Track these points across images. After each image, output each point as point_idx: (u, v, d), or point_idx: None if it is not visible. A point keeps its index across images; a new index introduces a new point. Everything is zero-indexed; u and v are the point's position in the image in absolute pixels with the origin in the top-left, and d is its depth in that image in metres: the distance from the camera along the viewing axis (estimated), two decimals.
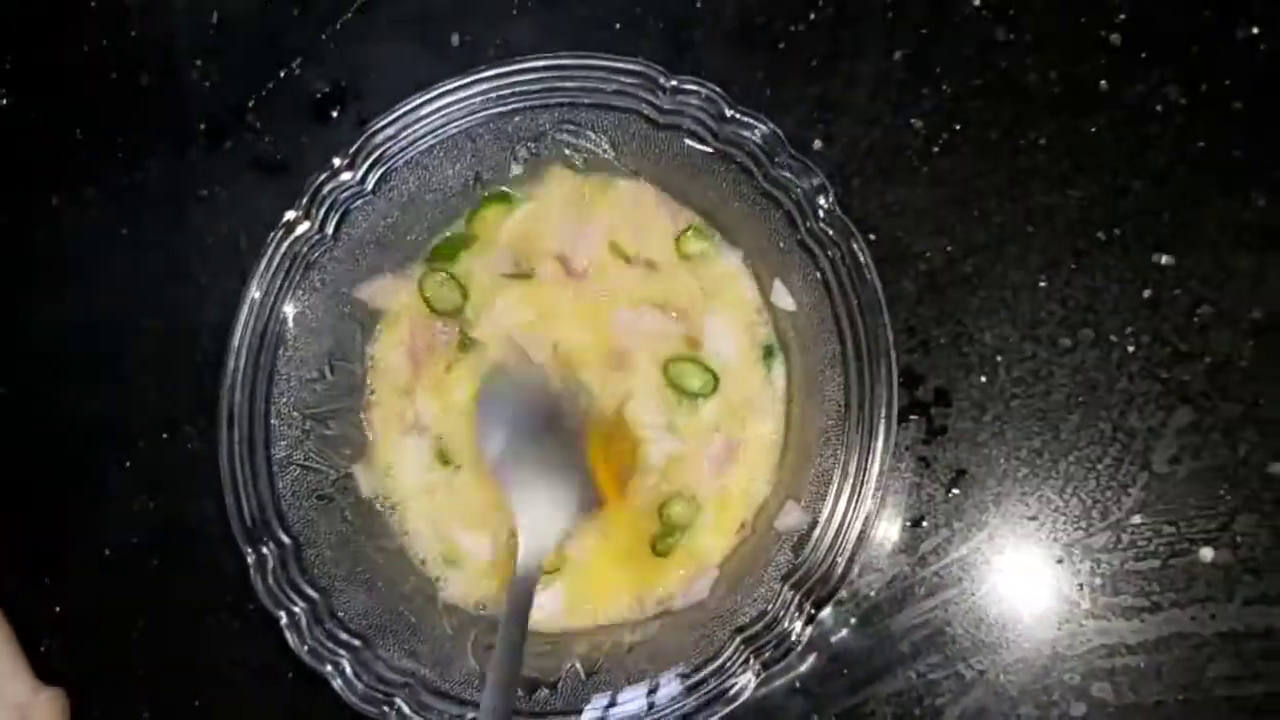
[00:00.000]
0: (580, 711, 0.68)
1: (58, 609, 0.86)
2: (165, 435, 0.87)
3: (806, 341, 0.72)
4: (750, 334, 0.76)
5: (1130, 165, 0.79)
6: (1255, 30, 0.79)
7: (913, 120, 0.82)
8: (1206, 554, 0.73)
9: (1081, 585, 0.74)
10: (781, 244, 0.71)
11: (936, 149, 0.81)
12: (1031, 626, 0.74)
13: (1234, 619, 0.73)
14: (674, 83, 0.71)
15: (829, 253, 0.69)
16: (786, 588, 0.67)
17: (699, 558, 0.74)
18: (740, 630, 0.68)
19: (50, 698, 0.83)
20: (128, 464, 0.87)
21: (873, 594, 0.76)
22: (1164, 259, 0.77)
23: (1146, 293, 0.77)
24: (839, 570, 0.66)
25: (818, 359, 0.70)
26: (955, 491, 0.77)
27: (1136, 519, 0.74)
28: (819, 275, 0.69)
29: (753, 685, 0.66)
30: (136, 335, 0.89)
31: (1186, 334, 0.76)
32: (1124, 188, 0.79)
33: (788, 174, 0.69)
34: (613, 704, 0.69)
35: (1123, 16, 0.81)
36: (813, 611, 0.66)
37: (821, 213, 0.68)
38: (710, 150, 0.71)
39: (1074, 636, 0.74)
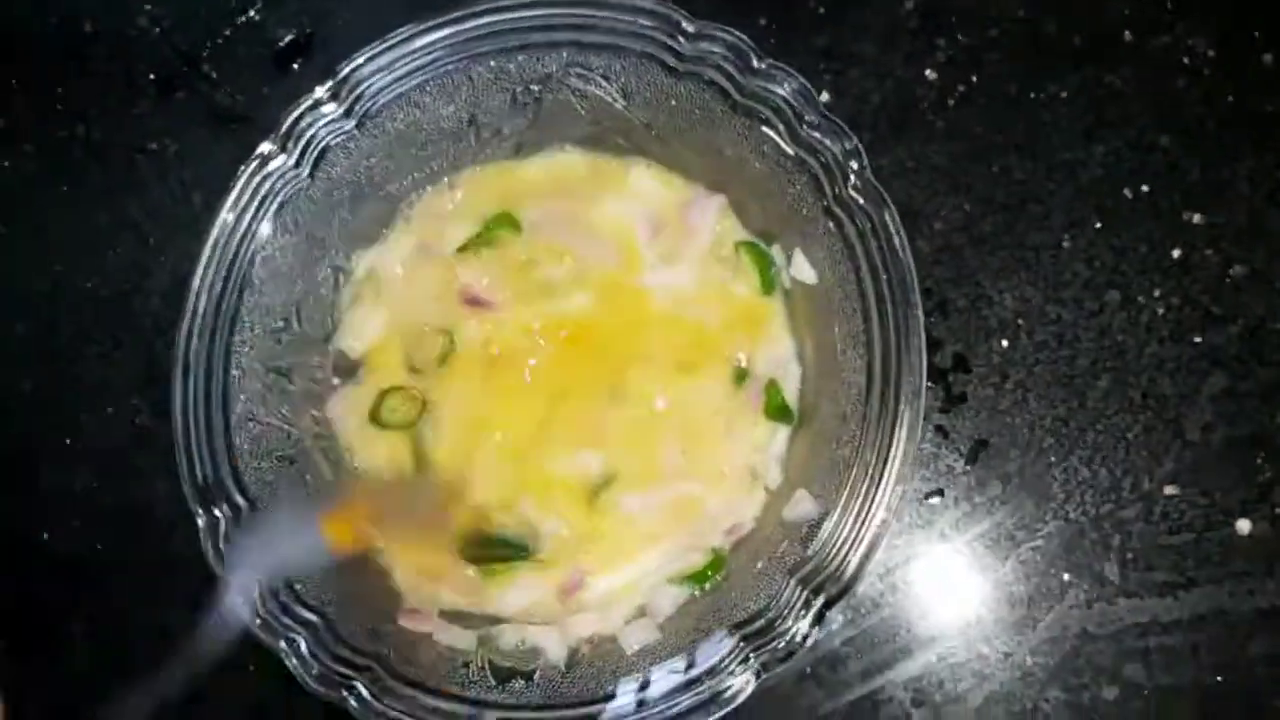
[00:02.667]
0: (556, 706, 0.66)
1: None
2: (110, 410, 0.85)
3: (827, 318, 0.70)
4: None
5: (1157, 120, 0.80)
6: None
7: (926, 72, 0.83)
8: (1243, 526, 0.74)
9: (1112, 561, 0.74)
10: (805, 211, 0.69)
11: (952, 102, 0.82)
12: (1059, 605, 0.74)
13: (1274, 594, 0.74)
14: (696, 27, 0.68)
15: (858, 222, 0.66)
16: (794, 583, 0.65)
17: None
18: (740, 626, 0.65)
19: None
20: (68, 441, 0.84)
21: (887, 573, 0.75)
22: (1194, 217, 0.78)
23: (1176, 252, 0.78)
24: (852, 567, 0.63)
25: (838, 337, 0.68)
26: (975, 463, 0.76)
27: (1169, 490, 0.75)
28: (845, 246, 0.67)
29: (751, 687, 0.63)
30: (79, 301, 0.87)
31: (1219, 295, 0.77)
32: (1151, 143, 0.80)
33: (817, 134, 0.67)
34: (610, 697, 0.66)
35: None
36: (822, 610, 0.63)
37: (853, 178, 0.66)
38: (734, 105, 0.69)
39: (1105, 615, 0.74)
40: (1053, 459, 0.76)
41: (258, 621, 0.66)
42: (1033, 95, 0.81)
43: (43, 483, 0.85)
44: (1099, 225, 0.79)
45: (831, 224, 0.67)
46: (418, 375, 0.76)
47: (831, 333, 0.68)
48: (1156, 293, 0.78)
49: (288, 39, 0.89)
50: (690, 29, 0.68)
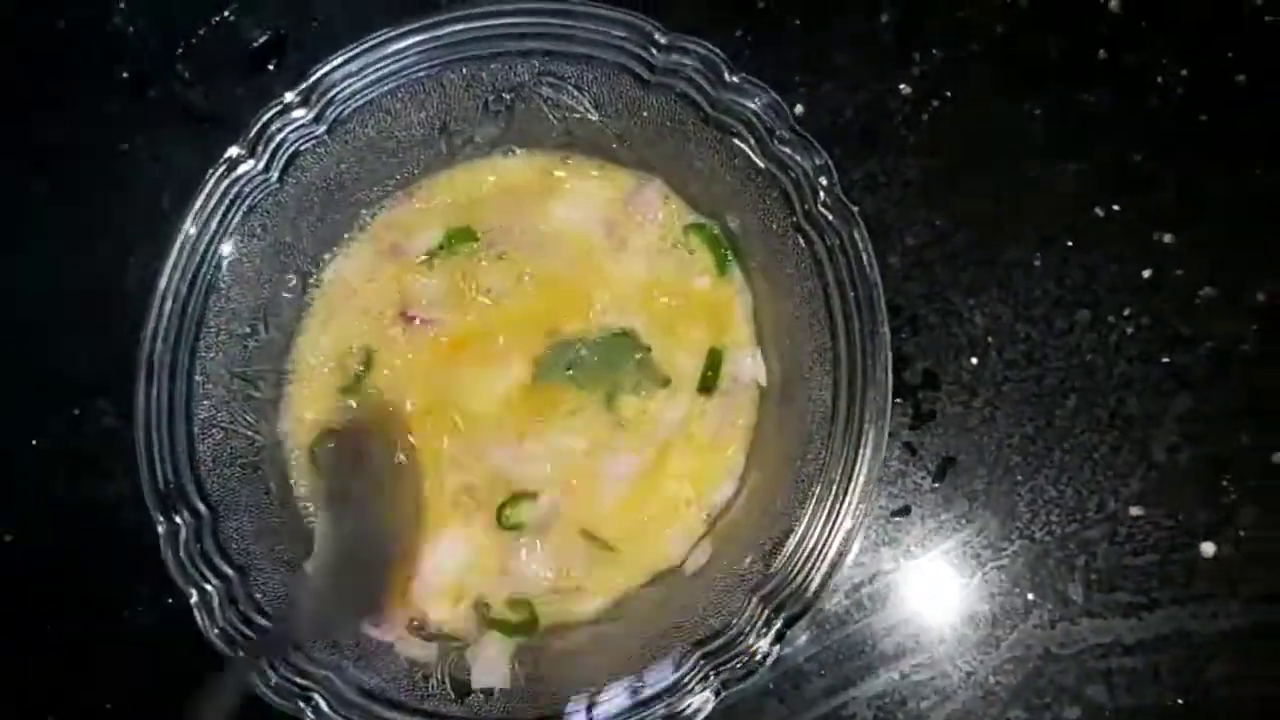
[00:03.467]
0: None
1: None
2: (77, 411, 0.85)
3: (794, 335, 0.70)
4: None
5: (1130, 139, 0.81)
6: (1259, 1, 0.81)
7: (901, 86, 0.83)
8: (1208, 548, 0.75)
9: (1076, 581, 0.75)
10: (775, 226, 0.69)
11: (925, 117, 0.82)
12: (1023, 625, 0.75)
13: (1236, 616, 0.74)
14: (668, 39, 0.68)
15: (827, 239, 0.66)
16: (756, 601, 0.65)
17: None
18: (700, 644, 0.65)
19: None
20: (34, 441, 0.84)
21: (853, 589, 0.76)
22: (1165, 237, 0.79)
23: (1147, 272, 0.78)
24: (815, 584, 0.64)
25: (805, 354, 0.68)
26: (943, 480, 0.77)
27: (1135, 511, 0.75)
28: (814, 263, 0.67)
29: (710, 705, 0.63)
30: (48, 300, 0.87)
31: (1188, 316, 0.78)
32: (1124, 162, 0.80)
33: (788, 150, 0.67)
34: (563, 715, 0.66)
35: None
36: (783, 629, 0.63)
37: (823, 195, 0.66)
38: (705, 117, 0.69)
39: (1068, 635, 0.74)
40: (1019, 478, 0.77)
41: (215, 630, 0.66)
42: (1006, 112, 0.81)
43: (8, 483, 0.84)
44: (1070, 243, 0.79)
45: (800, 240, 0.67)
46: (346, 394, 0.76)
47: (798, 349, 0.68)
48: (1126, 312, 0.78)
49: (262, 40, 0.89)
50: (663, 40, 0.68)
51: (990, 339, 0.79)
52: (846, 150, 0.81)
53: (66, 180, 0.89)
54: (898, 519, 0.77)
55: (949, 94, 0.82)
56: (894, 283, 0.79)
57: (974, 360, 0.78)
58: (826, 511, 0.64)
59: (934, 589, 0.76)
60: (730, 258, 0.75)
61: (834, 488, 0.64)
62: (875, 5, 0.84)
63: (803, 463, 0.66)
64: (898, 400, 0.78)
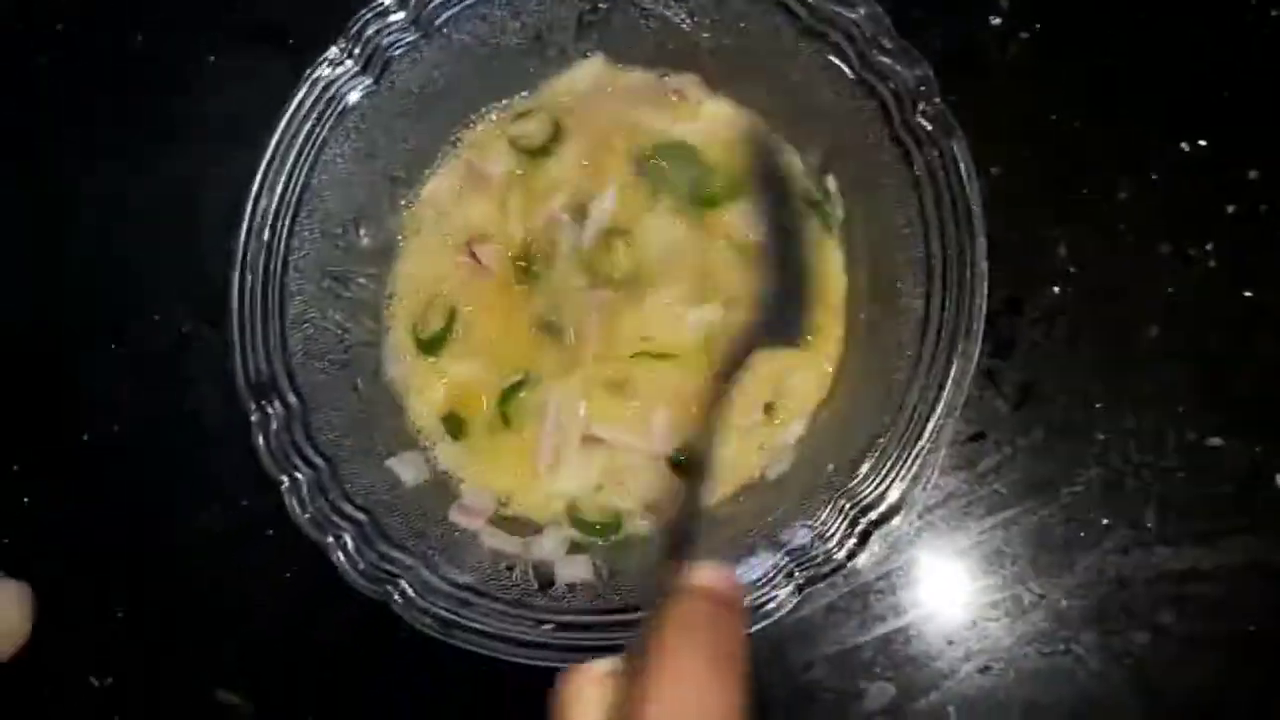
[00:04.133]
0: (598, 611, 0.67)
1: (25, 499, 0.85)
2: (157, 317, 0.86)
3: (887, 245, 0.70)
4: None
5: (1219, 75, 0.81)
6: None
7: (991, 18, 0.83)
8: None
9: (1151, 508, 0.75)
10: (870, 138, 0.69)
11: (1014, 49, 0.83)
12: (1096, 550, 0.75)
13: None
14: None
15: (925, 151, 0.67)
16: (838, 506, 0.65)
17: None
18: (783, 544, 0.66)
19: (14, 592, 0.82)
20: (113, 345, 0.86)
21: (926, 510, 0.77)
22: (1252, 173, 0.79)
23: (1231, 208, 0.79)
24: (898, 493, 0.64)
25: (899, 263, 0.69)
26: (1021, 408, 0.77)
27: (1212, 442, 0.76)
28: (910, 174, 0.67)
29: (793, 602, 0.64)
30: (127, 210, 0.88)
31: (1273, 252, 0.78)
32: (1212, 97, 0.80)
33: (888, 60, 0.67)
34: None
35: None
36: (866, 532, 0.64)
37: (924, 105, 0.66)
38: (805, 28, 0.69)
39: (1141, 561, 0.75)
40: (1098, 406, 0.77)
41: (306, 516, 0.67)
42: (1095, 44, 0.82)
43: (85, 387, 0.86)
44: (1155, 177, 0.80)
45: (898, 151, 0.68)
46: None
47: (891, 259, 0.69)
48: (1209, 246, 0.78)
49: None
50: None
51: (1072, 269, 0.79)
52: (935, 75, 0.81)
53: (150, 89, 0.90)
54: (974, 443, 0.78)
55: (1038, 26, 0.83)
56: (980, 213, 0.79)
57: (1055, 289, 0.79)
58: (917, 420, 0.65)
59: (1008, 513, 0.76)
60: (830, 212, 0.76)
61: (924, 394, 0.65)
62: None
63: (896, 371, 0.66)
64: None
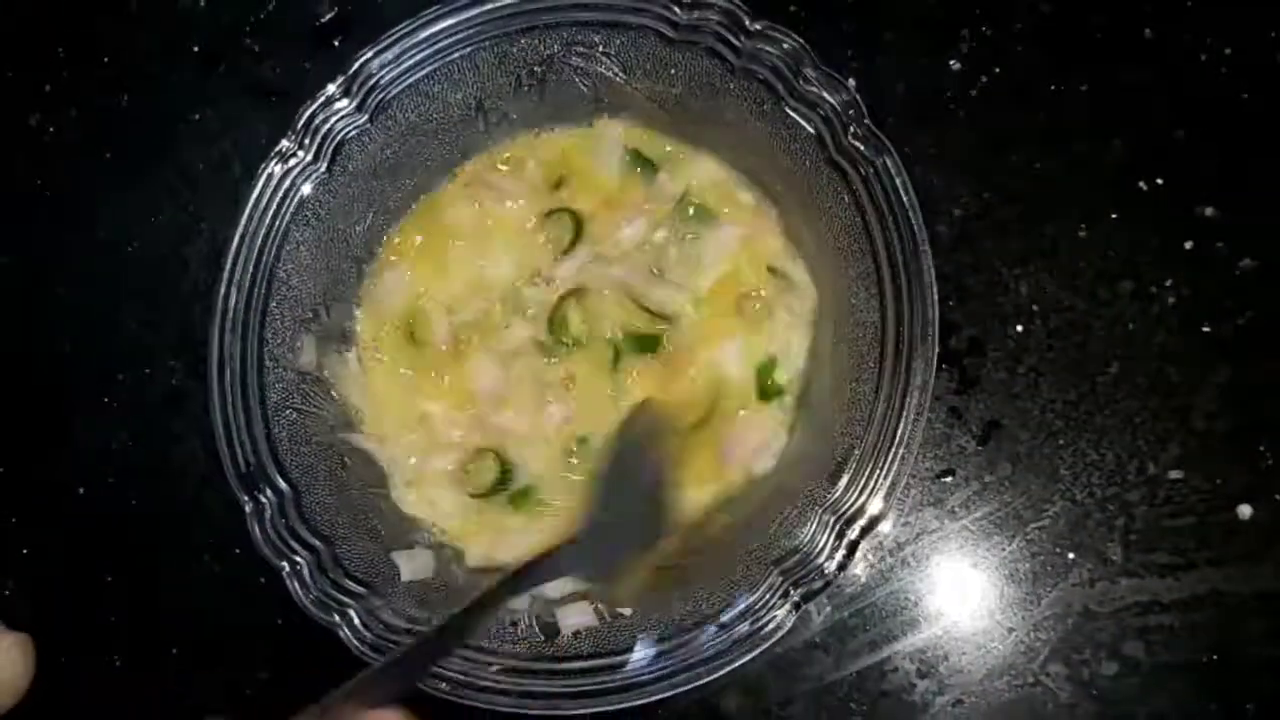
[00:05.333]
0: (605, 655, 0.69)
1: (24, 551, 0.87)
2: (147, 371, 0.89)
3: (838, 264, 0.73)
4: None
5: (1174, 115, 0.83)
6: None
7: (950, 62, 0.85)
8: (1244, 511, 0.77)
9: (1115, 541, 0.77)
10: (809, 164, 0.73)
11: (974, 93, 0.85)
12: (1063, 583, 0.77)
13: (1270, 578, 0.76)
14: None
15: (861, 170, 0.70)
16: (824, 519, 0.68)
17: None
18: (776, 563, 0.69)
19: (14, 643, 0.83)
20: (105, 399, 0.88)
21: (897, 548, 0.79)
22: (1207, 211, 0.81)
23: (1188, 245, 0.81)
24: (880, 501, 0.68)
25: (850, 279, 0.72)
26: (987, 444, 0.79)
27: (1174, 475, 0.78)
28: (849, 193, 0.70)
29: (790, 623, 0.67)
30: (119, 266, 0.91)
31: (1229, 287, 0.80)
32: (1167, 138, 0.83)
33: (814, 89, 0.71)
34: (663, 639, 0.69)
35: None
36: (854, 542, 0.67)
37: (853, 127, 0.70)
38: (730, 68, 0.73)
39: (1106, 594, 0.77)
40: (1062, 442, 0.79)
41: (310, 598, 0.69)
42: (1053, 88, 0.84)
43: (80, 439, 0.88)
44: (1114, 216, 0.82)
45: (835, 174, 0.71)
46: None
47: (844, 276, 0.71)
48: (1168, 283, 0.81)
49: (329, 16, 0.93)
50: None
51: (1035, 307, 0.81)
52: (898, 124, 0.84)
53: (139, 149, 0.92)
54: (942, 480, 0.80)
55: (997, 70, 0.85)
56: (942, 252, 0.81)
57: (1019, 328, 0.81)
58: (883, 429, 0.68)
59: (977, 548, 0.79)
60: None
61: (890, 403, 0.68)
62: None
63: (857, 383, 0.69)
64: (944, 366, 0.81)
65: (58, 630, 0.84)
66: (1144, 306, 0.80)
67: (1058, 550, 0.78)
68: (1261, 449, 0.78)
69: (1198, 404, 0.79)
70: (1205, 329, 0.80)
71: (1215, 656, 0.75)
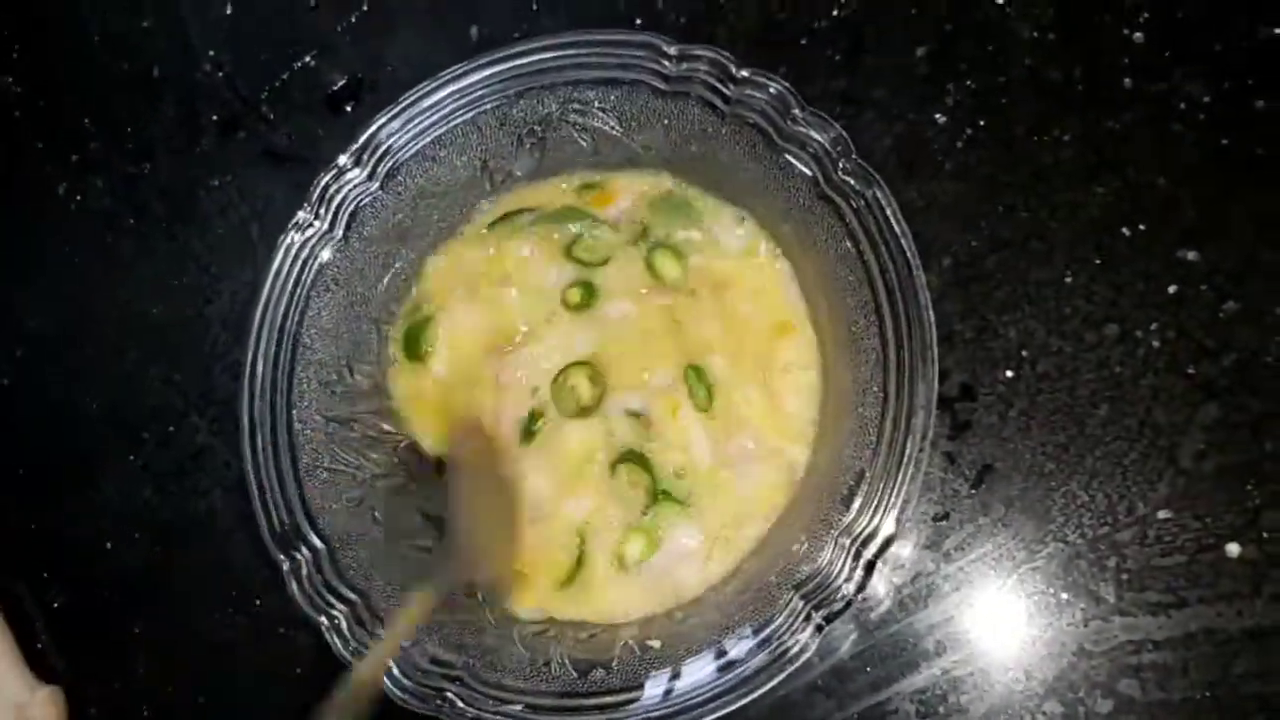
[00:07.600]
0: (641, 686, 0.71)
1: (55, 605, 0.90)
2: (172, 429, 0.92)
3: (838, 294, 0.75)
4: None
5: (1154, 162, 0.85)
6: (1278, 30, 0.85)
7: (936, 116, 0.88)
8: (1233, 549, 0.78)
9: (1108, 581, 0.78)
10: (802, 200, 0.75)
11: (960, 144, 0.87)
12: (1057, 623, 0.78)
13: (1260, 615, 0.77)
14: (678, 50, 0.75)
15: (852, 202, 0.73)
16: (840, 542, 0.70)
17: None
18: (798, 587, 0.70)
19: (47, 696, 0.86)
20: (132, 457, 0.91)
21: (895, 590, 0.80)
22: (1189, 254, 0.82)
23: (1172, 288, 0.82)
24: (893, 521, 0.69)
25: (849, 308, 0.74)
26: (980, 487, 0.81)
27: (1163, 514, 0.79)
28: (842, 225, 0.73)
29: (814, 646, 0.68)
30: (144, 327, 0.94)
31: (1212, 329, 0.81)
32: (1148, 184, 0.84)
33: (803, 129, 0.74)
34: (676, 675, 0.71)
35: (1146, 15, 0.87)
36: (871, 562, 0.69)
37: (843, 163, 0.73)
38: (721, 115, 0.76)
39: (1100, 633, 0.78)
40: (1053, 484, 0.81)
41: (349, 650, 0.71)
42: (1036, 138, 0.86)
43: (107, 496, 0.91)
44: (1099, 262, 0.83)
45: (829, 207, 0.73)
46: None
47: (844, 305, 0.74)
48: (1153, 326, 0.82)
49: (340, 84, 0.96)
50: (673, 52, 0.75)
51: (1024, 353, 0.83)
52: (887, 176, 0.84)
53: (162, 215, 0.96)
54: (938, 524, 0.81)
55: (982, 123, 0.87)
56: (932, 300, 0.83)
57: (1009, 373, 0.83)
58: (890, 452, 0.70)
59: (973, 590, 0.80)
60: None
61: (899, 425, 0.70)
62: (913, 40, 0.90)
63: (863, 407, 0.71)
64: (937, 412, 0.81)
65: (89, 684, 0.87)
66: (1130, 349, 0.82)
67: (1051, 591, 0.79)
68: (1249, 488, 0.79)
69: (1185, 444, 0.80)
70: (1190, 370, 0.81)
71: (1208, 693, 0.76)
